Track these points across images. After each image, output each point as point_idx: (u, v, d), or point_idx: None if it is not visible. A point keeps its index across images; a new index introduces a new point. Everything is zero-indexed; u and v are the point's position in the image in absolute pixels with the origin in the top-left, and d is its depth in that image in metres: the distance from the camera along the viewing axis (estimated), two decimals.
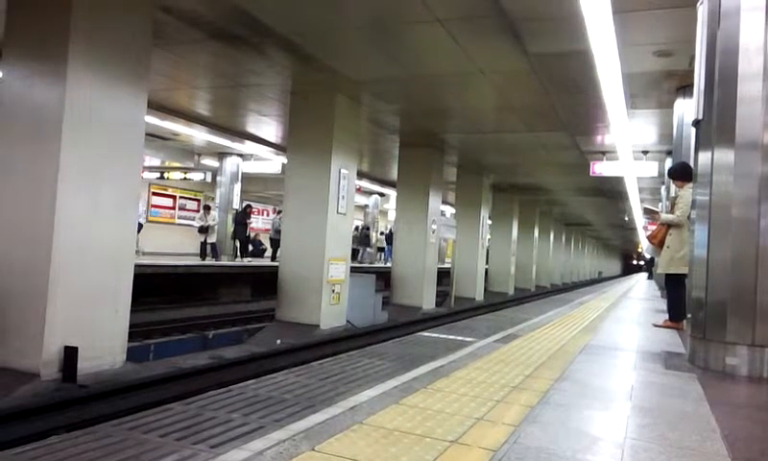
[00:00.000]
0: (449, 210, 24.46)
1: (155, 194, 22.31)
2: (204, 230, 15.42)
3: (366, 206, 26.93)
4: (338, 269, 9.39)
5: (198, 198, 23.78)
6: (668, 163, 10.86)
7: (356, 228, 21.80)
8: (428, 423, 2.29)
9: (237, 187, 17.21)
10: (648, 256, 27.41)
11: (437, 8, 6.18)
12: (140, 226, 13.49)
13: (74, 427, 3.61)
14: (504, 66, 7.95)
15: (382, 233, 28.74)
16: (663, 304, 8.04)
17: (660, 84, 8.19)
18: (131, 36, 5.68)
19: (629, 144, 10.94)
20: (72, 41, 5.10)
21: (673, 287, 6.01)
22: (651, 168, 12.43)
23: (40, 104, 5.20)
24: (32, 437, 3.91)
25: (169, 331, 9.80)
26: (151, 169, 19.16)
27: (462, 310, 13.99)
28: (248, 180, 18.15)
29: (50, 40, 5.19)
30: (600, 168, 12.84)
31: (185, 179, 19.59)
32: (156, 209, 22.08)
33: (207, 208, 16.24)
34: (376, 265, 21.71)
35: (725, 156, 3.67)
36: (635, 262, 70.54)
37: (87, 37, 5.23)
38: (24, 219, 5.20)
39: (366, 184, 21.49)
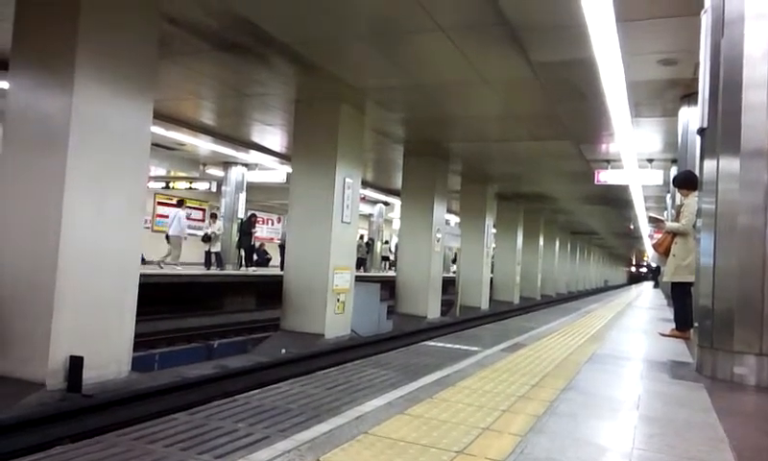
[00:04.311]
0: (454, 219, 24.45)
1: (160, 204, 22.43)
2: (207, 238, 15.43)
3: (370, 215, 26.97)
4: (343, 278, 9.38)
5: (203, 207, 23.88)
6: (673, 172, 10.84)
7: (361, 237, 21.86)
8: (434, 433, 2.28)
9: (242, 197, 17.24)
10: (654, 265, 27.30)
11: (440, 17, 6.21)
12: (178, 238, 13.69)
13: (79, 437, 3.61)
14: (508, 75, 7.96)
15: (386, 242, 28.76)
16: (670, 313, 8.00)
17: (665, 93, 8.19)
18: (137, 46, 5.72)
19: (634, 152, 10.93)
20: (79, 52, 5.14)
21: (679, 296, 5.98)
22: (656, 176, 12.39)
23: (47, 114, 5.23)
24: (37, 447, 3.91)
25: (174, 341, 9.80)
26: (156, 179, 19.26)
27: (467, 319, 13.94)
28: (252, 189, 18.20)
29: (57, 51, 5.23)
30: (605, 176, 12.82)
31: (190, 188, 19.68)
32: (162, 219, 22.17)
33: (214, 216, 16.28)
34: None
35: (730, 164, 3.66)
36: (639, 270, 70.25)
37: (94, 48, 5.27)
38: (30, 228, 5.22)
39: (370, 193, 21.52)
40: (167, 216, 23.09)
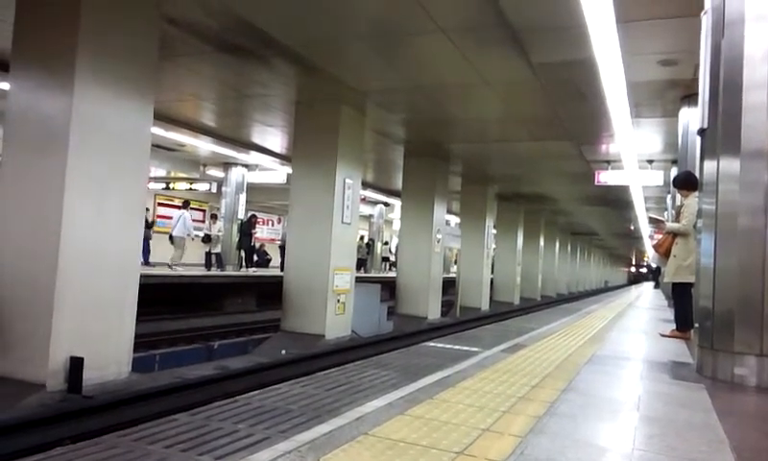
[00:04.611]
0: (454, 220, 24.46)
1: (160, 204, 22.44)
2: (208, 239, 15.44)
3: (371, 215, 26.97)
4: (343, 279, 9.39)
5: (203, 208, 23.90)
6: (673, 172, 10.84)
7: (361, 238, 21.87)
8: (434, 434, 2.28)
9: (242, 198, 17.25)
10: (654, 265, 27.31)
11: (440, 18, 6.21)
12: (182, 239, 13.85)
13: (79, 438, 3.61)
14: (508, 76, 7.96)
15: (386, 243, 28.75)
16: (670, 314, 8.00)
17: (665, 93, 8.19)
18: (137, 48, 5.73)
19: (634, 153, 10.93)
20: (79, 53, 5.15)
21: (680, 296, 5.98)
22: (656, 177, 12.40)
23: (47, 115, 5.23)
24: (37, 448, 3.91)
25: (174, 342, 9.80)
26: (156, 179, 19.26)
27: (467, 320, 13.94)
28: (253, 190, 18.21)
29: (57, 52, 5.23)
30: (605, 177, 12.82)
31: (191, 189, 19.69)
32: (162, 220, 22.18)
33: (214, 217, 16.29)
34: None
35: (730, 164, 3.66)
36: (639, 270, 70.26)
37: (95, 49, 5.28)
38: (30, 229, 5.22)
39: (371, 194, 21.52)
40: (169, 217, 23.22)
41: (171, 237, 14.39)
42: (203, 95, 10.10)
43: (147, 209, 16.19)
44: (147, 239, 13.81)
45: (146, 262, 13.50)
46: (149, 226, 14.24)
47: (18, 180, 5.34)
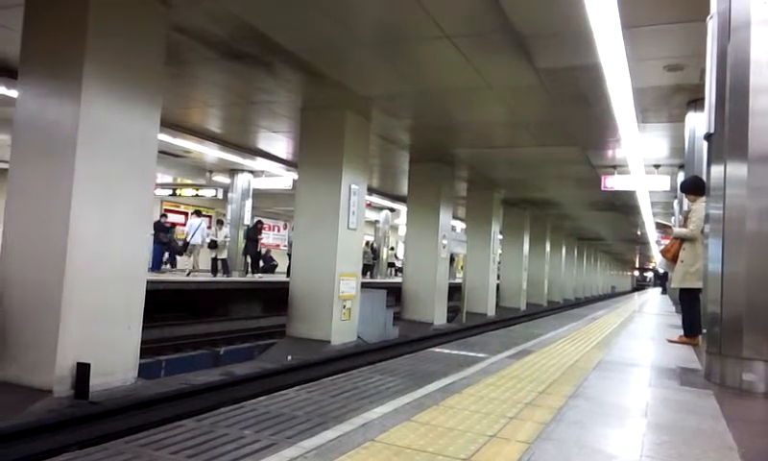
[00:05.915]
0: (460, 225, 24.43)
1: (167, 211, 22.54)
2: (214, 245, 15.50)
3: (376, 221, 26.99)
4: (349, 284, 9.39)
5: (209, 214, 24.01)
6: (680, 177, 10.80)
7: (367, 243, 21.86)
8: (440, 440, 2.27)
9: (248, 203, 17.30)
10: (662, 271, 27.16)
11: (446, 24, 6.22)
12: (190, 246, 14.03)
13: (86, 444, 3.62)
14: (513, 81, 7.96)
15: (392, 248, 28.75)
16: (678, 320, 7.95)
17: (671, 98, 8.17)
18: (144, 55, 5.76)
19: (640, 158, 10.91)
20: (87, 60, 5.18)
21: (687, 302, 5.95)
22: (663, 182, 12.36)
23: (55, 122, 5.26)
24: (45, 454, 3.94)
25: (181, 348, 9.82)
26: (163, 186, 19.34)
27: (473, 326, 13.90)
28: (259, 196, 18.25)
29: (65, 59, 5.27)
30: (611, 182, 12.79)
31: (197, 195, 19.76)
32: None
33: (220, 223, 16.35)
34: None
35: (737, 169, 3.64)
36: (643, 275, 69.92)
37: (102, 56, 5.31)
38: (38, 236, 5.25)
39: (376, 200, 21.53)
40: (180, 224, 23.37)
41: (186, 245, 14.62)
42: (209, 102, 10.15)
43: (165, 215, 16.42)
44: (164, 244, 14.01)
45: (156, 269, 13.62)
46: (167, 231, 14.44)
47: (26, 186, 5.37)
